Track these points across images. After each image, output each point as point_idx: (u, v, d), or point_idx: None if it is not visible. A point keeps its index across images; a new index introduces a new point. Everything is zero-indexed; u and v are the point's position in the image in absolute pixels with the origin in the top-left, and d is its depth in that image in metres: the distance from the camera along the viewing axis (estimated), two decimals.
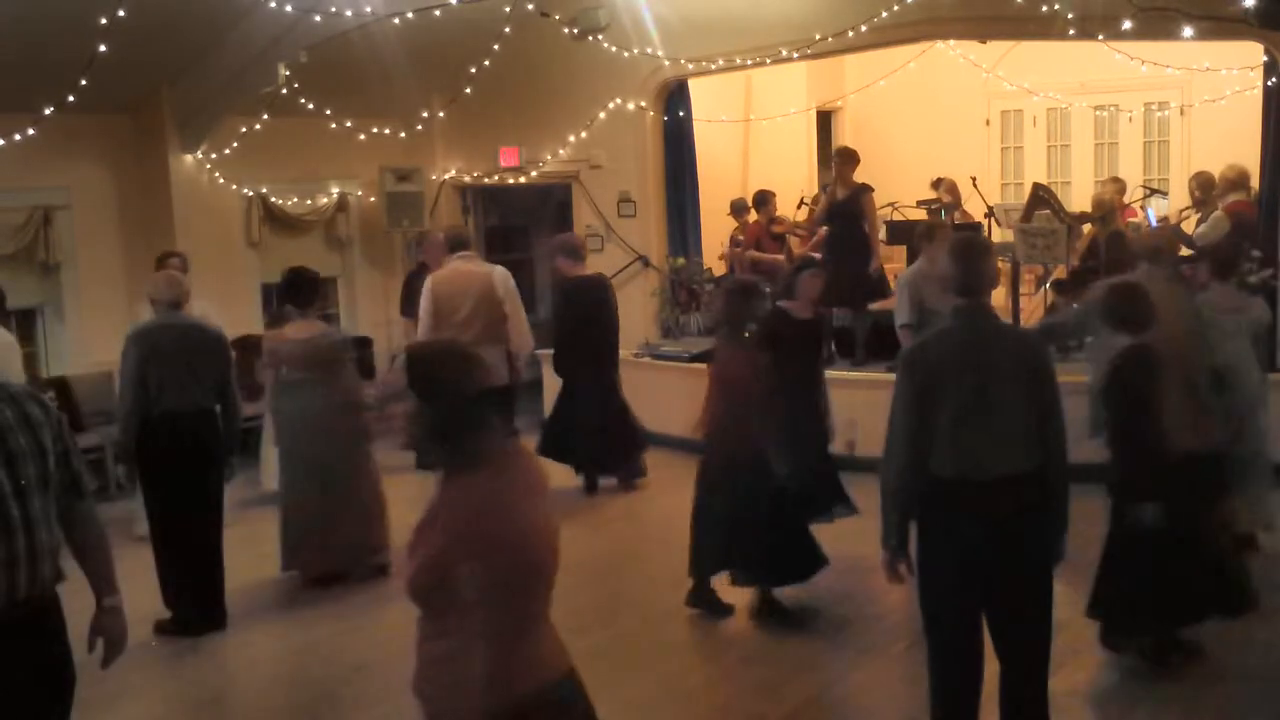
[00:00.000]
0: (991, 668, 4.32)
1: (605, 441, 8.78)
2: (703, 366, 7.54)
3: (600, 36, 10.31)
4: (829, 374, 9.19)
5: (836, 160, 10.00)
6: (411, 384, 2.81)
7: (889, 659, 5.77)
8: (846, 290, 9.48)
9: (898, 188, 12.24)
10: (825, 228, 10.11)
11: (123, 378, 6.38)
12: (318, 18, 8.81)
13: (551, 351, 9.08)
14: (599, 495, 8.86)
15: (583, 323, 8.70)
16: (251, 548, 7.78)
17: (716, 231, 12.07)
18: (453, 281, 8.24)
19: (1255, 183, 9.39)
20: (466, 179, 12.03)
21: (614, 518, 8.39)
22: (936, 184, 11.96)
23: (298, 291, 7.13)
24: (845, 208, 9.67)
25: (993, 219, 10.92)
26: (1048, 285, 10.36)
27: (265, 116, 9.91)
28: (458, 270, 8.31)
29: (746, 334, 6.18)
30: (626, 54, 10.30)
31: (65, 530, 3.59)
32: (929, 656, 4.37)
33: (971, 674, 4.27)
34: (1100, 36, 8.96)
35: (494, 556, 2.69)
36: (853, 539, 6.49)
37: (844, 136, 14.23)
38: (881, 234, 11.22)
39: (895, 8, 9.08)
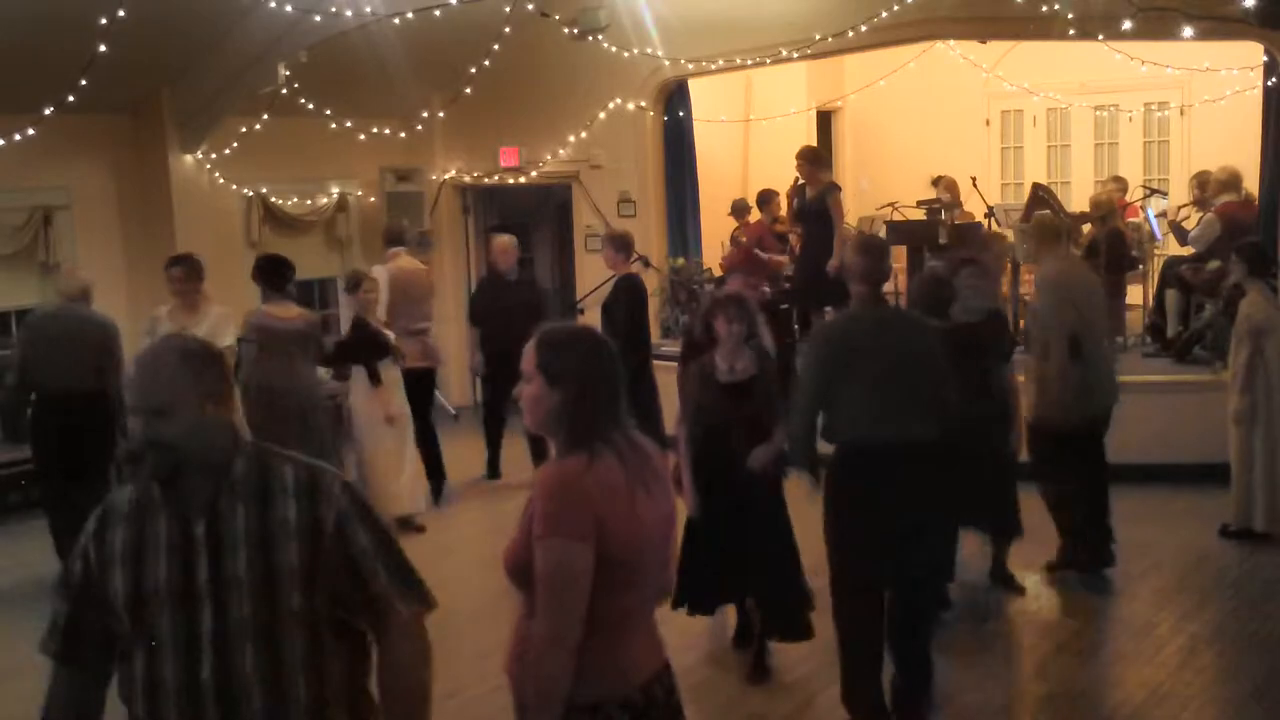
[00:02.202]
0: None
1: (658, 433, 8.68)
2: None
3: (600, 36, 10.31)
4: None
5: (802, 160, 9.89)
6: (540, 365, 2.71)
7: (887, 660, 5.75)
8: (814, 291, 9.42)
9: (898, 188, 12.25)
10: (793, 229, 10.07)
11: (10, 360, 7.39)
12: (318, 18, 8.81)
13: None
14: None
15: (642, 318, 8.76)
16: None
17: (716, 231, 12.07)
18: (411, 276, 8.89)
19: (1254, 182, 9.41)
20: (466, 179, 12.03)
21: None
22: (936, 182, 11.96)
23: (267, 275, 7.63)
24: (813, 208, 9.60)
25: (993, 219, 10.93)
26: None
27: (265, 116, 9.91)
28: (411, 266, 8.95)
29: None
30: (626, 54, 10.30)
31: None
32: (839, 616, 4.78)
33: (878, 632, 4.74)
34: (1100, 36, 8.97)
35: (574, 542, 2.56)
36: None
37: (844, 136, 14.24)
38: (881, 233, 11.21)
39: (895, 8, 9.08)
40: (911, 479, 4.53)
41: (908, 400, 4.58)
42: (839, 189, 9.71)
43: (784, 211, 11.86)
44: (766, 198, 11.57)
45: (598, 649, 2.64)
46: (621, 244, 8.61)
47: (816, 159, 9.76)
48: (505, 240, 9.27)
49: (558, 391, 2.68)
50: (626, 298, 8.45)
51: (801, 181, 9.89)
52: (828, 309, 9.35)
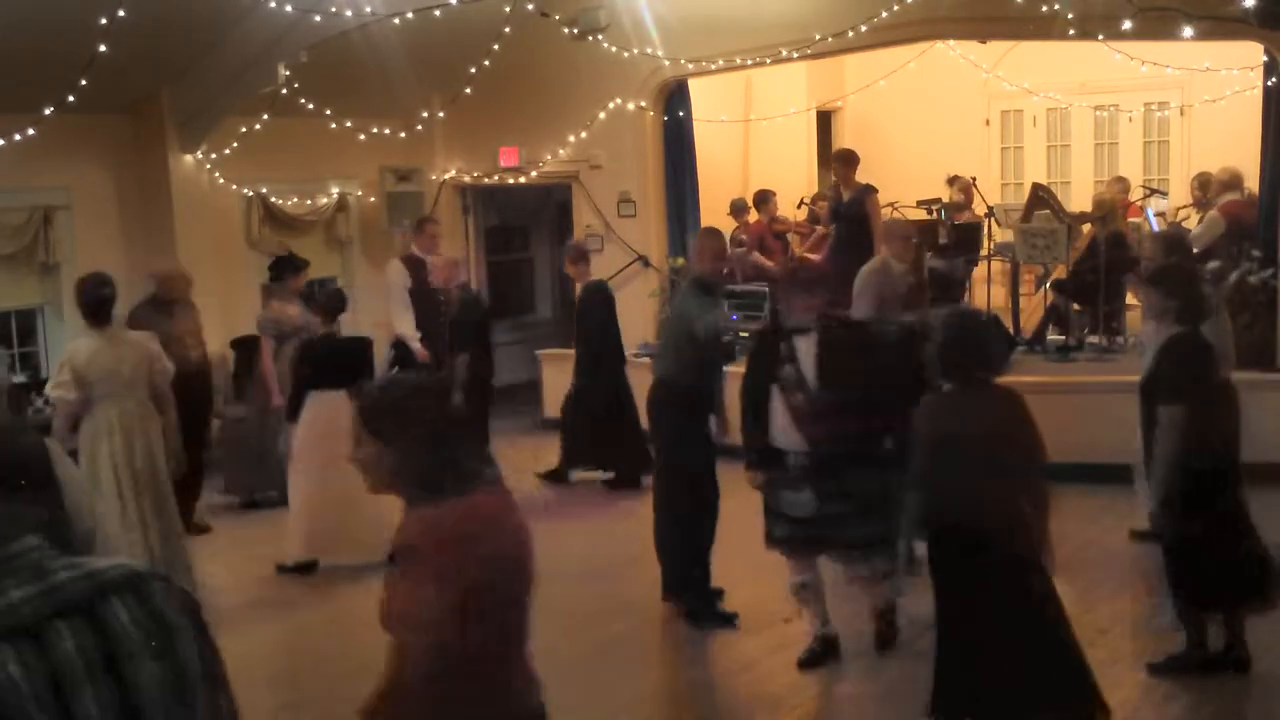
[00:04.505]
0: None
1: (638, 442, 8.70)
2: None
3: (600, 36, 10.30)
4: None
5: (837, 163, 10.03)
6: (368, 428, 2.71)
7: (885, 666, 5.76)
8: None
9: (898, 188, 12.22)
10: (825, 227, 10.15)
11: None
12: (318, 18, 8.81)
13: (579, 353, 9.03)
14: (602, 494, 8.90)
15: (612, 325, 8.88)
16: (247, 547, 7.78)
17: None
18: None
19: (1254, 182, 9.41)
20: (466, 179, 12.02)
21: (617, 518, 8.36)
22: (952, 181, 11.95)
23: (277, 272, 9.00)
24: (850, 210, 9.69)
25: (993, 219, 10.93)
26: (1047, 285, 10.38)
27: (265, 116, 9.91)
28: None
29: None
30: (626, 54, 10.29)
31: None
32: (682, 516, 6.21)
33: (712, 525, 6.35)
34: (1100, 36, 8.97)
35: (451, 587, 2.58)
36: None
37: (844, 137, 14.23)
38: None
39: (895, 8, 9.08)
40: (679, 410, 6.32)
41: (672, 355, 6.31)
42: (876, 191, 9.84)
43: (779, 212, 11.88)
44: (764, 198, 11.58)
45: (470, 682, 2.66)
46: (578, 254, 8.84)
47: (851, 161, 9.89)
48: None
49: (392, 449, 2.69)
50: (595, 306, 8.55)
51: (836, 182, 10.06)
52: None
